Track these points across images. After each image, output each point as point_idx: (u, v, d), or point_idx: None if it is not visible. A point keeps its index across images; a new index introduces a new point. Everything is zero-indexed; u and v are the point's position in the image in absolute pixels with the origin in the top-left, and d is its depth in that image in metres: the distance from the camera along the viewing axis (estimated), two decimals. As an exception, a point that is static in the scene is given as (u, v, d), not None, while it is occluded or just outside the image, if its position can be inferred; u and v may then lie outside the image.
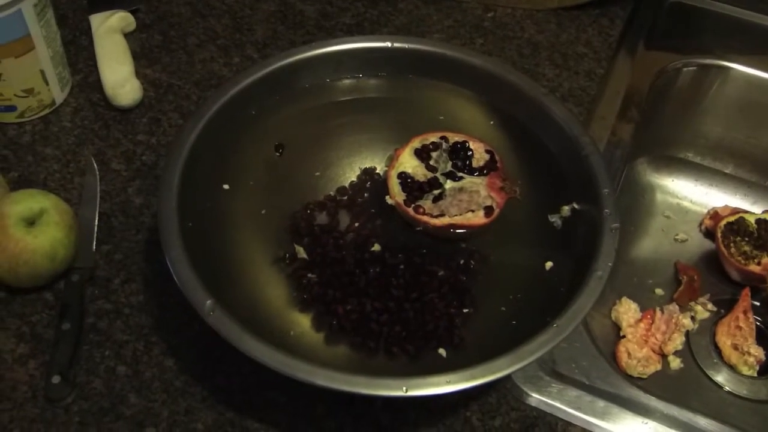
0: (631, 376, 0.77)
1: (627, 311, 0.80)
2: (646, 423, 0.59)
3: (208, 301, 0.51)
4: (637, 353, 0.77)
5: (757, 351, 0.78)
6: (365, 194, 0.65)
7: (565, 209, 0.61)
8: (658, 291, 0.84)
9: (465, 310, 0.59)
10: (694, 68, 0.83)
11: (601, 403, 0.60)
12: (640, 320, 0.79)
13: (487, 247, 0.62)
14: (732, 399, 0.77)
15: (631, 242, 0.88)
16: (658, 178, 0.92)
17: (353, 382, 0.49)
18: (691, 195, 0.92)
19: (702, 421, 0.60)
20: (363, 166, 0.66)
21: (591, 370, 0.61)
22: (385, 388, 0.48)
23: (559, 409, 0.60)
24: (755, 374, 0.78)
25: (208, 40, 0.80)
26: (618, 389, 0.61)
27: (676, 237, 0.89)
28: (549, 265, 0.58)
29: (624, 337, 0.78)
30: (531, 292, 0.57)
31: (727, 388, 0.78)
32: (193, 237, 0.55)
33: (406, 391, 0.48)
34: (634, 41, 0.85)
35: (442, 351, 0.55)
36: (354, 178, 0.66)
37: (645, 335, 0.79)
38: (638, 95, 0.80)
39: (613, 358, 0.77)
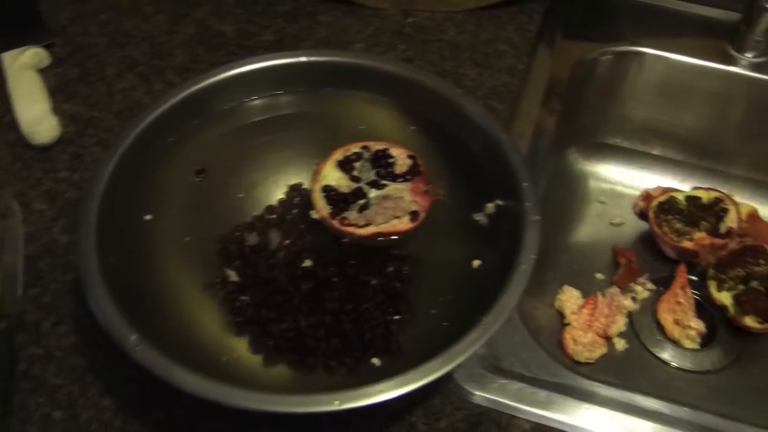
0: (578, 363, 0.77)
1: (569, 299, 0.81)
2: (588, 408, 0.59)
3: (133, 336, 0.49)
4: (583, 339, 0.77)
5: (698, 324, 0.79)
6: (294, 210, 0.64)
7: (490, 206, 0.60)
8: (599, 276, 0.84)
9: (401, 317, 0.58)
10: (611, 56, 0.84)
11: (543, 393, 0.60)
12: (583, 306, 0.80)
13: (418, 252, 0.61)
14: (679, 374, 0.78)
15: (569, 231, 0.88)
16: (590, 165, 0.93)
17: (286, 402, 0.48)
18: (623, 179, 0.93)
19: (641, 400, 0.60)
20: (290, 183, 0.65)
21: (532, 361, 0.61)
22: (318, 405, 0.47)
23: (503, 403, 0.59)
24: (698, 347, 0.79)
25: (127, 69, 0.79)
26: (559, 378, 0.61)
27: (612, 221, 0.89)
28: (477, 263, 0.58)
29: (568, 324, 0.79)
30: (461, 291, 0.57)
31: (674, 363, 0.78)
32: (117, 272, 0.53)
33: (340, 405, 0.47)
34: (552, 35, 0.86)
35: (375, 360, 0.54)
36: (282, 196, 0.65)
37: (589, 320, 0.79)
38: (559, 87, 0.81)
39: (560, 347, 0.77)
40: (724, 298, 0.79)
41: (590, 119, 0.90)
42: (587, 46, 0.85)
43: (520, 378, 0.60)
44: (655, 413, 0.59)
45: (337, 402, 0.47)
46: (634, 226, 0.89)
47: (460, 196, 0.61)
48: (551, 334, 0.78)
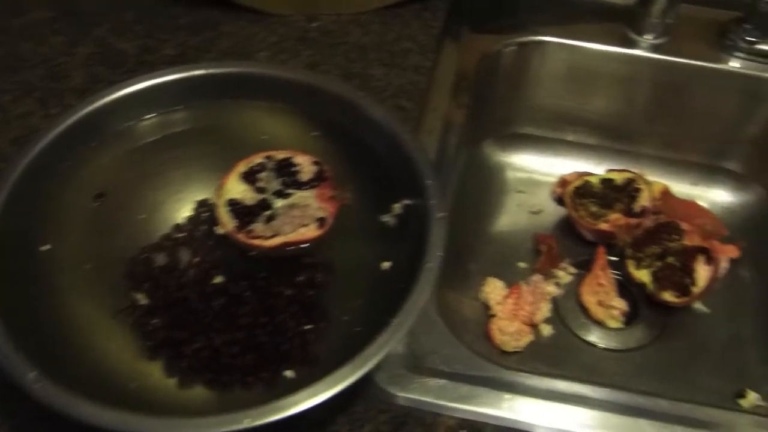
0: (506, 353, 0.77)
1: (493, 290, 0.81)
2: (511, 398, 0.59)
3: (32, 374, 0.47)
4: (509, 328, 0.78)
5: (620, 303, 0.80)
6: (203, 227, 0.63)
7: (397, 207, 0.60)
8: (522, 264, 0.85)
9: (317, 325, 0.58)
10: (514, 48, 0.85)
11: (465, 388, 0.60)
12: (507, 296, 0.80)
13: (330, 258, 0.61)
14: (606, 354, 0.79)
15: (489, 222, 0.89)
16: (506, 156, 0.94)
17: (196, 424, 0.46)
18: (540, 167, 0.94)
19: (563, 385, 0.60)
20: (197, 199, 0.64)
21: (453, 357, 0.61)
22: (226, 424, 0.46)
23: (426, 402, 0.59)
24: (622, 325, 0.80)
25: (24, 94, 0.76)
26: (481, 371, 0.61)
27: (532, 210, 0.91)
28: (386, 264, 0.58)
29: (494, 315, 0.79)
30: (372, 295, 0.56)
31: (600, 344, 0.79)
32: (15, 308, 0.51)
33: (251, 423, 0.46)
34: (458, 30, 0.86)
35: (288, 373, 0.53)
36: (189, 213, 0.64)
37: (514, 310, 0.79)
38: (467, 81, 0.81)
39: (487, 338, 0.78)
40: (643, 275, 0.81)
41: (502, 111, 0.91)
42: (492, 38, 0.85)
43: (442, 375, 0.60)
44: (577, 397, 0.60)
45: (247, 420, 0.46)
46: (553, 212, 0.90)
47: (367, 199, 0.61)
48: (478, 327, 0.79)
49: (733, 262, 0.85)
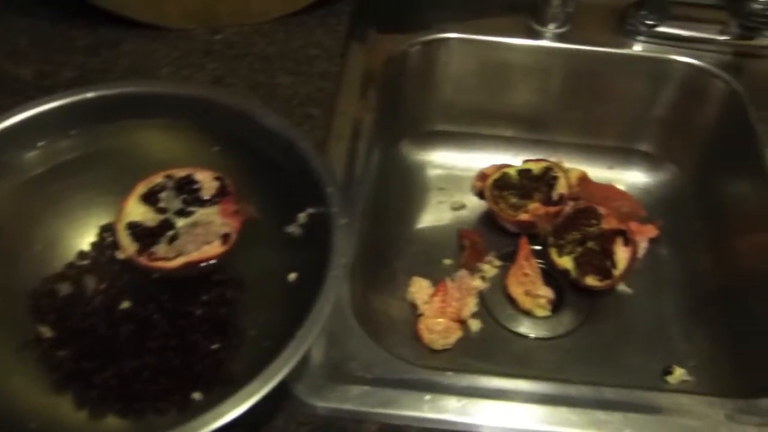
0: (436, 351, 0.77)
1: (419, 289, 0.81)
2: (431, 398, 0.59)
3: None
4: (437, 327, 0.78)
5: (546, 291, 0.81)
6: (108, 252, 0.61)
7: (302, 216, 0.60)
8: (447, 261, 0.85)
9: (230, 343, 0.57)
10: (419, 47, 0.85)
11: (386, 392, 0.59)
12: (434, 294, 0.80)
13: (239, 273, 0.60)
14: (535, 343, 0.80)
15: (412, 222, 0.89)
16: (424, 154, 0.94)
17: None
18: (459, 162, 0.94)
19: (482, 380, 0.60)
20: (100, 224, 0.63)
21: (372, 362, 0.61)
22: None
23: (347, 410, 0.59)
24: (549, 313, 0.81)
25: None
26: (400, 373, 0.61)
27: (454, 206, 0.91)
28: (293, 276, 0.57)
29: (422, 314, 0.79)
30: (280, 308, 0.56)
31: (529, 333, 0.80)
32: None
33: (156, 451, 0.45)
34: (363, 32, 0.86)
35: (196, 395, 0.52)
36: (94, 239, 0.62)
37: (441, 307, 0.80)
38: (375, 83, 0.81)
39: (417, 339, 0.77)
40: (566, 262, 0.82)
41: (414, 110, 0.91)
42: (397, 39, 0.85)
43: (363, 381, 0.60)
44: (499, 391, 0.60)
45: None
46: (475, 207, 0.91)
47: (272, 211, 0.60)
48: (407, 327, 0.79)
49: (652, 241, 0.87)
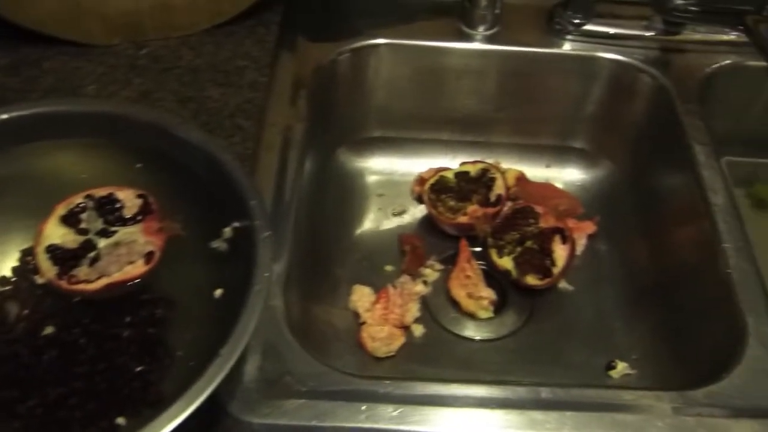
0: (380, 359, 0.77)
1: (361, 297, 0.81)
2: (366, 408, 0.58)
3: None
4: (379, 334, 0.78)
5: (488, 293, 0.81)
6: (30, 277, 0.60)
7: (227, 231, 0.59)
8: (389, 268, 0.85)
9: (160, 364, 0.55)
10: (348, 54, 0.85)
11: (322, 405, 0.59)
12: (376, 302, 0.80)
13: (168, 291, 0.59)
14: (480, 345, 0.80)
15: (353, 229, 0.89)
16: (363, 161, 0.94)
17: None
18: (398, 168, 0.94)
19: (419, 387, 0.60)
20: (21, 248, 0.61)
21: (307, 375, 0.60)
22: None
23: (283, 425, 0.58)
24: (492, 315, 0.81)
25: None
26: (336, 385, 0.60)
27: (394, 211, 0.91)
28: (219, 292, 0.56)
29: (364, 323, 0.78)
30: (206, 325, 0.55)
31: (473, 336, 0.80)
32: None
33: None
34: (293, 42, 0.86)
35: (120, 420, 0.51)
36: (15, 263, 0.60)
37: (383, 314, 0.79)
38: (305, 92, 0.81)
39: (360, 347, 0.77)
40: (506, 262, 0.82)
41: (349, 117, 0.91)
42: (327, 47, 0.85)
43: (299, 394, 0.59)
44: (435, 397, 0.59)
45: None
46: (415, 211, 0.91)
47: (197, 226, 0.59)
48: (350, 336, 0.78)
49: (591, 237, 0.88)
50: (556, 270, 0.80)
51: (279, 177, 0.72)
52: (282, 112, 0.78)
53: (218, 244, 0.59)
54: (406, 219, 0.90)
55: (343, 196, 0.90)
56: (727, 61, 0.87)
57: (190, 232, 0.60)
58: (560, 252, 0.80)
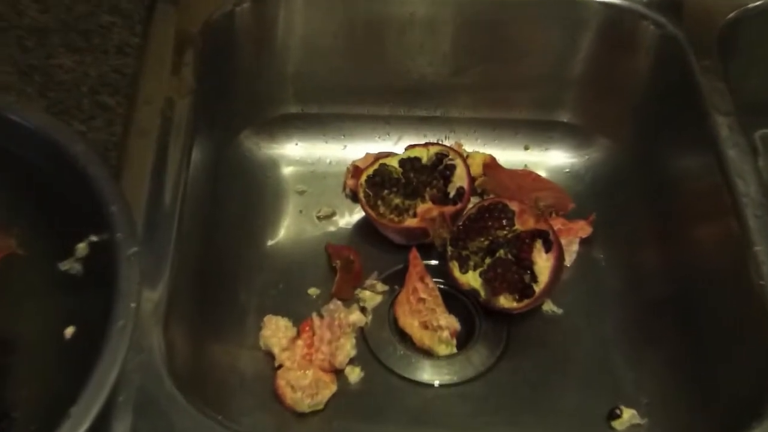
0: (304, 415, 0.78)
1: (276, 332, 0.82)
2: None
3: None
4: (302, 381, 0.79)
5: (449, 320, 0.83)
6: None
7: (81, 248, 0.60)
8: (313, 291, 0.87)
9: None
10: (249, 3, 0.86)
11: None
12: (296, 337, 0.82)
13: (1, 331, 0.60)
14: (439, 391, 0.82)
15: (263, 240, 0.91)
16: (275, 147, 0.96)
17: None
18: (323, 154, 0.97)
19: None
20: None
21: (198, 434, 0.62)
22: None
23: None
24: (455, 350, 0.84)
25: None
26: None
27: (319, 214, 0.93)
28: (70, 330, 0.58)
29: (281, 366, 0.80)
30: (54, 376, 0.56)
31: (434, 381, 0.82)
32: None
33: None
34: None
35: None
36: None
37: (306, 354, 0.81)
38: (193, 56, 0.82)
39: (277, 400, 0.78)
40: (471, 279, 0.85)
41: (255, 89, 0.93)
42: (214, -2, 0.87)
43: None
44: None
45: None
46: (348, 213, 0.94)
47: (42, 242, 0.61)
48: (264, 385, 0.80)
49: (585, 242, 0.91)
50: (538, 287, 0.82)
51: (156, 172, 0.74)
52: (161, 84, 0.80)
53: (69, 266, 0.60)
54: (337, 224, 0.93)
55: (249, 194, 0.92)
56: (757, 2, 0.90)
57: (32, 249, 0.61)
58: (543, 263, 0.82)
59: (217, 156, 0.87)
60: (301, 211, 0.93)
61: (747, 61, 0.90)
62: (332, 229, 0.92)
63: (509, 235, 0.84)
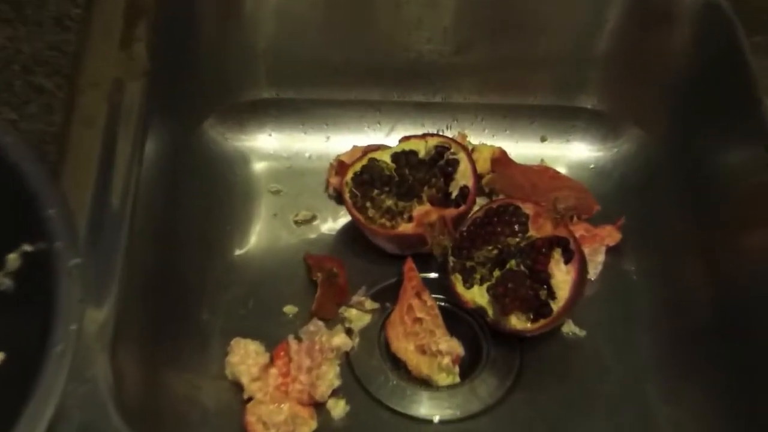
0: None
1: (245, 359, 0.82)
2: None
3: None
4: (276, 417, 0.79)
5: (450, 344, 0.83)
6: None
7: (12, 259, 0.60)
8: (290, 309, 0.88)
9: None
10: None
11: None
12: (269, 365, 0.81)
13: None
14: (440, 429, 0.82)
15: (230, 249, 0.91)
16: (245, 139, 0.97)
17: None
18: (302, 147, 0.98)
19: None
20: None
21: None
22: None
23: None
24: (458, 379, 0.84)
25: None
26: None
27: (297, 218, 0.93)
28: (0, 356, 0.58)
29: (251, 399, 0.80)
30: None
31: (433, 416, 0.82)
32: None
33: None
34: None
35: None
36: None
37: (281, 385, 0.81)
38: (146, 30, 0.82)
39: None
40: (477, 295, 0.85)
41: (221, 69, 0.93)
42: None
43: None
44: None
45: None
46: (332, 217, 0.94)
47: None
48: (231, 421, 0.80)
49: (613, 250, 0.91)
50: (556, 305, 0.82)
51: (103, 169, 0.74)
52: (108, 63, 0.80)
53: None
54: (317, 230, 0.93)
55: (213, 195, 0.92)
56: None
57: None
58: (563, 276, 0.82)
59: (176, 149, 0.87)
60: (275, 215, 0.94)
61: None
62: (312, 235, 0.93)
63: (522, 243, 0.85)
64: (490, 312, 0.84)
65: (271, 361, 0.82)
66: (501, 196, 0.90)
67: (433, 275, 0.88)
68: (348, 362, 0.84)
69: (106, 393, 0.64)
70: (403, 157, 0.89)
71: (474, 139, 0.95)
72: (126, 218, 0.73)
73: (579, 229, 0.88)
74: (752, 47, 0.85)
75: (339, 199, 0.92)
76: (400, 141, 0.91)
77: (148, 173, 0.78)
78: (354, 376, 0.84)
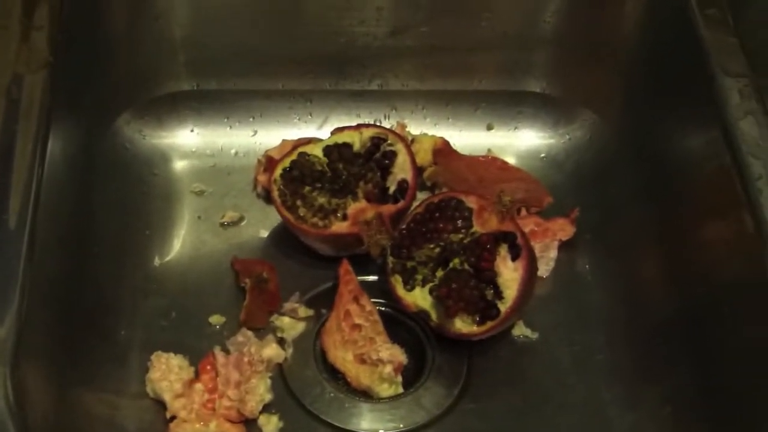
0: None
1: (167, 374, 0.82)
2: None
3: None
4: (202, 437, 0.79)
5: (392, 352, 0.84)
6: None
7: None
8: (216, 319, 0.88)
9: None
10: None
11: None
12: (195, 380, 0.81)
13: None
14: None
15: (150, 256, 0.91)
16: (163, 135, 0.97)
17: None
18: (226, 143, 0.98)
19: None
20: None
21: None
22: None
23: None
24: (400, 389, 0.84)
25: None
26: None
27: (223, 220, 0.94)
28: None
29: (174, 418, 0.80)
30: None
31: (378, 430, 0.82)
32: None
33: None
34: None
35: None
36: None
37: (209, 401, 0.81)
38: (47, 16, 0.81)
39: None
40: (419, 298, 0.85)
41: (136, 60, 0.93)
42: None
43: None
44: None
45: None
46: (262, 217, 0.94)
47: None
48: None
49: (566, 245, 0.92)
50: (504, 306, 0.82)
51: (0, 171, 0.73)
52: (5, 54, 0.79)
53: None
54: (246, 232, 0.94)
55: (130, 198, 0.93)
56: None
57: None
58: (510, 274, 0.83)
59: (86, 148, 0.87)
60: (199, 217, 0.94)
61: (763, 9, 0.91)
62: (240, 239, 0.93)
63: (466, 240, 0.85)
64: (433, 315, 0.84)
65: (196, 376, 0.82)
66: (444, 190, 0.90)
67: (372, 278, 0.89)
68: (281, 375, 0.84)
69: (6, 414, 0.64)
70: (335, 151, 0.90)
71: (414, 129, 0.95)
72: (26, 225, 0.72)
73: (529, 223, 0.89)
74: (706, 21, 0.86)
75: (268, 198, 0.93)
76: (332, 133, 0.91)
77: (53, 175, 0.77)
78: (288, 389, 0.84)
